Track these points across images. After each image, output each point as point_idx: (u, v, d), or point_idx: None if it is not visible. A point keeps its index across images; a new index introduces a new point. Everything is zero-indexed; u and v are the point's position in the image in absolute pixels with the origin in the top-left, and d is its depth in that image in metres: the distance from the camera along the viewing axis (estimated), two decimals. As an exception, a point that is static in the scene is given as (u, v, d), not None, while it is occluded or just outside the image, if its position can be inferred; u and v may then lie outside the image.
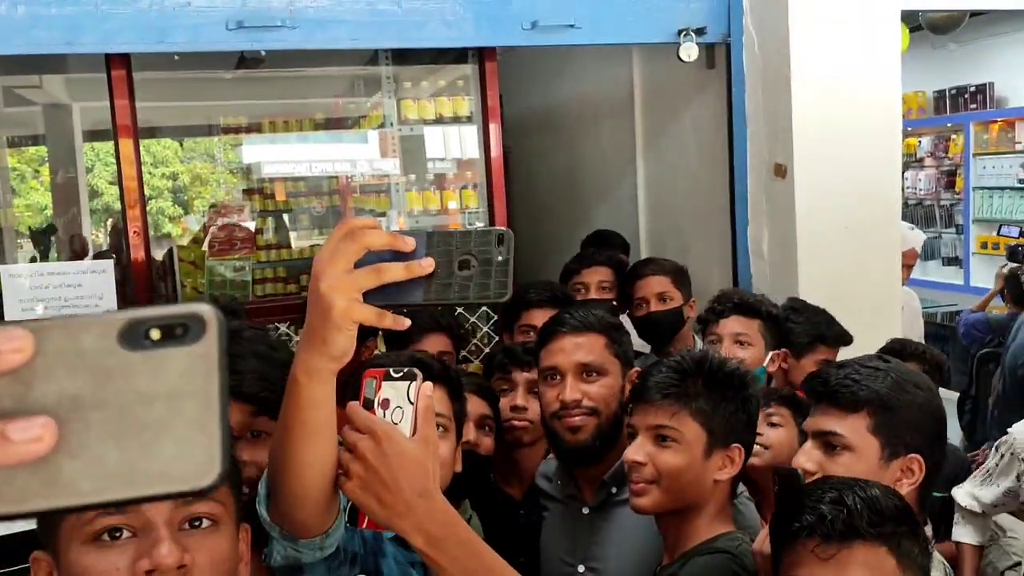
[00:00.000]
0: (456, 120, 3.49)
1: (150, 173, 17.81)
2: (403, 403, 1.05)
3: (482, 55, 3.41)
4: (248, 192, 6.43)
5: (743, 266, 3.62)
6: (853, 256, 3.32)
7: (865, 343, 2.84)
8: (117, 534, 0.94)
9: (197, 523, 0.98)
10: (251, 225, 6.01)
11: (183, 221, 6.91)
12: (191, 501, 0.97)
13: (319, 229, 6.29)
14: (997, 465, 2.46)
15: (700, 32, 3.43)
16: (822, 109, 3.27)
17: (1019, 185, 6.93)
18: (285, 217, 6.39)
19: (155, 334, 0.52)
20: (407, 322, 0.96)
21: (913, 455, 1.57)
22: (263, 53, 3.14)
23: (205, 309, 0.54)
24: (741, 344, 2.47)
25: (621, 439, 1.82)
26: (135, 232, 3.11)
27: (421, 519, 1.02)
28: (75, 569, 0.94)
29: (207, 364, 0.53)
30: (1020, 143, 6.93)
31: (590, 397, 1.84)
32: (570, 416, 1.84)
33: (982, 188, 7.24)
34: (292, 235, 6.25)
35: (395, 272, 0.92)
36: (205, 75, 6.20)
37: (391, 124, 3.47)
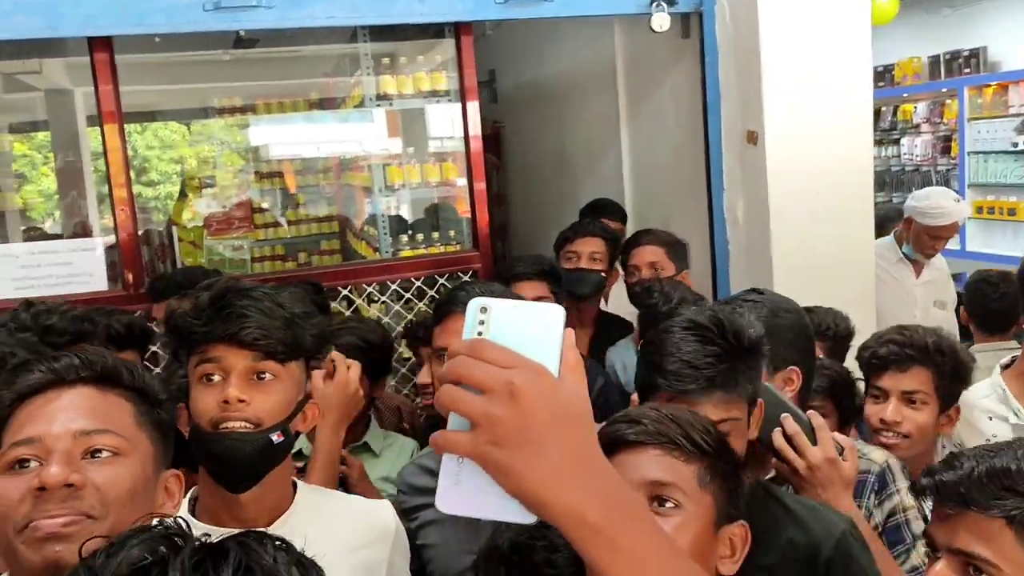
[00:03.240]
0: (435, 95, 3.55)
1: (158, 158, 17.89)
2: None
3: (458, 30, 3.46)
4: (258, 175, 6.53)
5: (719, 234, 3.68)
6: (826, 223, 3.38)
7: (839, 307, 2.92)
8: (26, 464, 1.08)
9: (98, 454, 1.11)
10: (256, 203, 6.11)
11: (192, 204, 6.99)
12: (90, 434, 1.11)
13: (317, 207, 6.38)
14: None
15: (672, 2, 3.47)
16: (792, 76, 3.32)
17: (1013, 149, 6.92)
18: (284, 196, 6.49)
19: None
20: None
21: (792, 367, 1.83)
22: (241, 33, 3.21)
23: None
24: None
25: None
26: (121, 210, 3.20)
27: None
28: None
29: None
30: (1013, 107, 6.91)
31: None
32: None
33: (977, 152, 7.23)
34: (289, 213, 6.34)
35: None
36: (199, 56, 6.28)
37: (370, 100, 3.53)
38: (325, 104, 6.25)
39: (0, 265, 3.14)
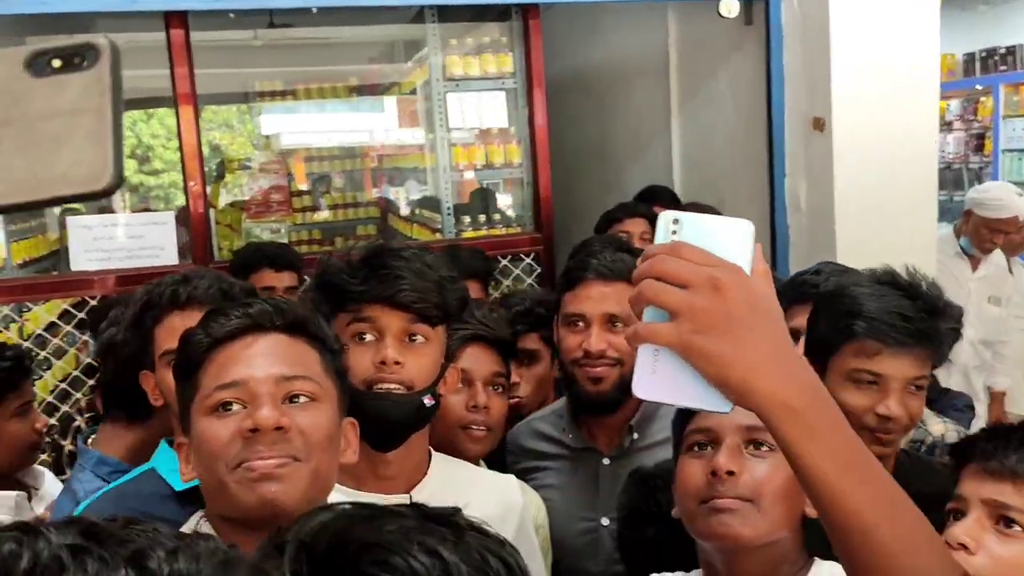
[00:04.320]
0: (500, 77, 3.57)
1: (163, 147, 17.80)
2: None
3: (526, 13, 3.47)
4: (283, 155, 6.55)
5: (780, 220, 3.70)
6: (891, 212, 3.39)
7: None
8: (229, 406, 1.11)
9: (296, 399, 1.13)
10: (294, 186, 6.12)
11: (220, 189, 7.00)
12: (291, 379, 1.13)
13: (356, 192, 6.40)
14: None
15: (740, -12, 3.49)
16: (861, 64, 3.33)
17: (1048, 147, 6.94)
18: (322, 180, 6.50)
19: (56, 63, 0.60)
20: None
21: None
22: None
23: (100, 40, 0.62)
24: None
25: None
26: (194, 184, 3.22)
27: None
28: (200, 436, 1.12)
29: (100, 86, 0.61)
30: (1050, 105, 6.94)
31: (615, 348, 1.80)
32: (593, 366, 1.81)
33: (1011, 150, 7.24)
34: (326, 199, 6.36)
35: None
36: (235, 37, 6.26)
37: (437, 82, 3.54)
38: (364, 91, 6.27)
39: (74, 237, 3.16)
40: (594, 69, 5.41)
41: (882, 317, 1.49)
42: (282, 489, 1.06)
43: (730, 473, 1.20)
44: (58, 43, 0.61)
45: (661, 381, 0.78)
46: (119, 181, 0.60)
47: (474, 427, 1.78)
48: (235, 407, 1.11)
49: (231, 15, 3.59)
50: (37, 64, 0.60)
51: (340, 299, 1.47)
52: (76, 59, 0.61)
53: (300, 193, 6.22)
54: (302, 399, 1.13)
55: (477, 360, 1.79)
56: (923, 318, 1.48)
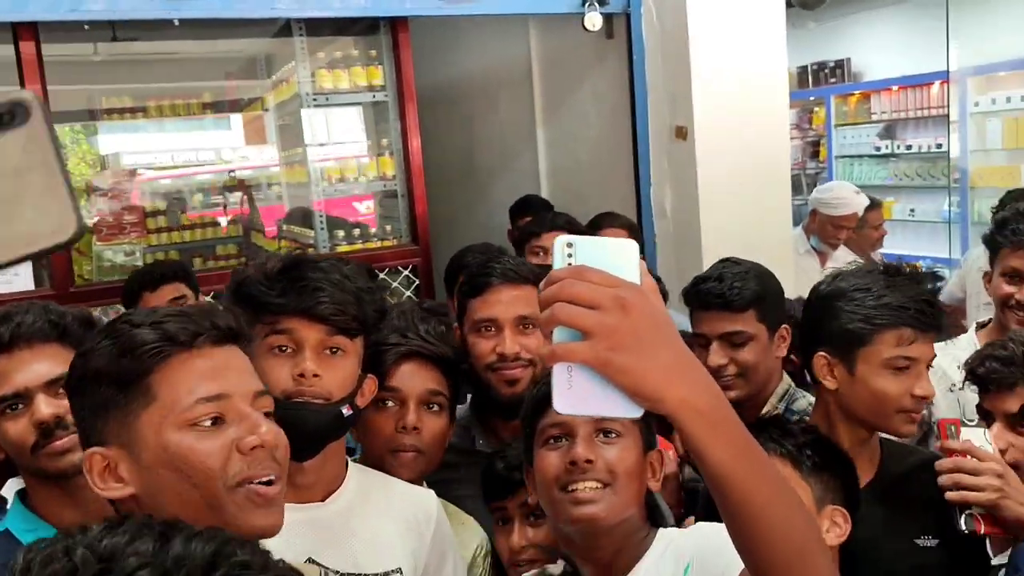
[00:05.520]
0: (371, 90, 3.55)
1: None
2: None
3: (395, 26, 3.48)
4: (129, 175, 6.27)
5: (647, 226, 3.84)
6: (749, 211, 3.59)
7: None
8: (218, 421, 1.07)
9: (269, 415, 1.12)
10: (148, 207, 5.87)
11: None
12: (262, 394, 1.11)
13: (216, 210, 6.19)
14: None
15: (602, 3, 3.61)
16: (718, 74, 3.52)
17: (876, 153, 7.49)
18: (179, 200, 6.26)
19: None
20: None
21: (784, 325, 2.09)
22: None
23: (26, 95, 0.64)
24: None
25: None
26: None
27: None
28: (177, 450, 1.05)
29: (40, 141, 0.62)
30: (876, 114, 7.49)
31: (527, 349, 1.84)
32: (508, 369, 1.84)
33: (843, 156, 7.78)
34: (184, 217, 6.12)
35: None
36: (74, 52, 5.95)
37: (307, 94, 3.49)
38: (221, 108, 6.10)
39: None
40: (458, 82, 5.45)
41: (912, 305, 1.61)
42: (280, 511, 1.09)
43: (588, 462, 1.33)
44: None
45: (578, 395, 0.84)
46: (83, 229, 0.61)
47: (402, 450, 1.70)
48: (219, 422, 1.07)
49: (86, 27, 3.41)
50: None
51: (257, 310, 1.44)
52: (6, 117, 0.61)
53: (155, 213, 5.97)
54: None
55: (411, 377, 1.72)
56: (933, 302, 1.64)
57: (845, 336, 1.66)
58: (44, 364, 1.47)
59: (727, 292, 2.02)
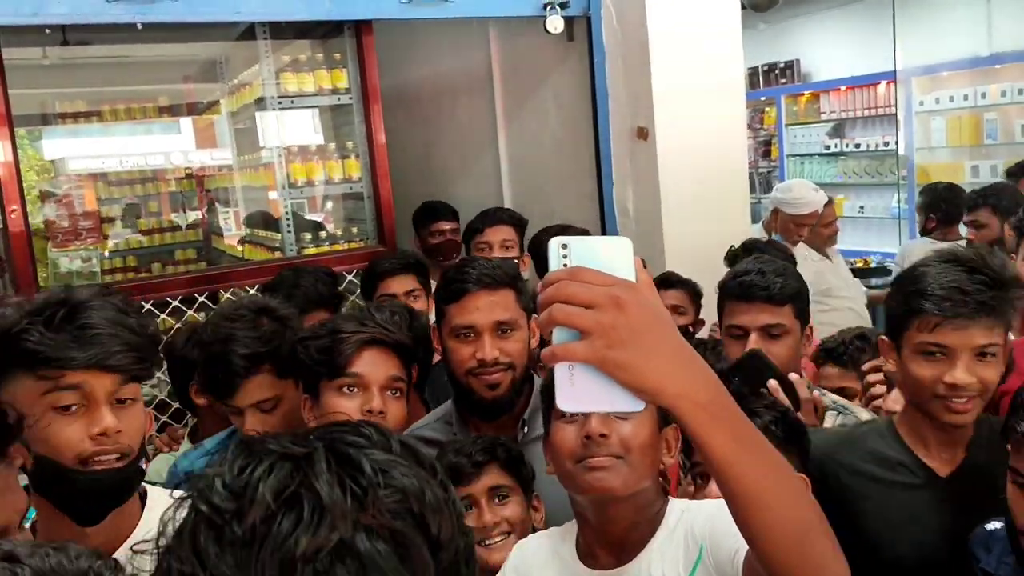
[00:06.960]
0: (335, 93, 3.57)
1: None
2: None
3: (359, 29, 3.50)
4: (92, 177, 6.19)
5: (610, 226, 3.90)
6: (710, 208, 3.67)
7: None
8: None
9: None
10: (104, 212, 5.80)
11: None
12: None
13: (175, 214, 6.14)
14: None
15: (564, 6, 3.67)
16: (678, 75, 3.59)
17: (825, 151, 7.68)
18: (134, 205, 6.20)
19: None
20: None
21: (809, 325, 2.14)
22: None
23: None
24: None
25: (530, 387, 1.95)
26: (14, 210, 3.03)
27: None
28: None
29: None
30: (825, 113, 7.67)
31: (506, 353, 1.86)
32: (489, 374, 1.86)
33: (794, 155, 7.95)
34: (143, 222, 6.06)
35: None
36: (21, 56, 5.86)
37: (272, 97, 3.50)
38: (177, 111, 6.04)
39: None
40: (418, 85, 5.47)
41: (941, 292, 1.61)
42: None
43: (603, 436, 1.38)
44: None
45: (581, 392, 0.86)
46: None
47: None
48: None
49: (47, 31, 3.38)
50: None
51: (32, 367, 1.29)
52: None
53: (112, 219, 5.90)
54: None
55: (373, 364, 1.77)
56: (981, 290, 1.59)
57: (892, 321, 1.73)
58: None
59: (771, 285, 2.07)
